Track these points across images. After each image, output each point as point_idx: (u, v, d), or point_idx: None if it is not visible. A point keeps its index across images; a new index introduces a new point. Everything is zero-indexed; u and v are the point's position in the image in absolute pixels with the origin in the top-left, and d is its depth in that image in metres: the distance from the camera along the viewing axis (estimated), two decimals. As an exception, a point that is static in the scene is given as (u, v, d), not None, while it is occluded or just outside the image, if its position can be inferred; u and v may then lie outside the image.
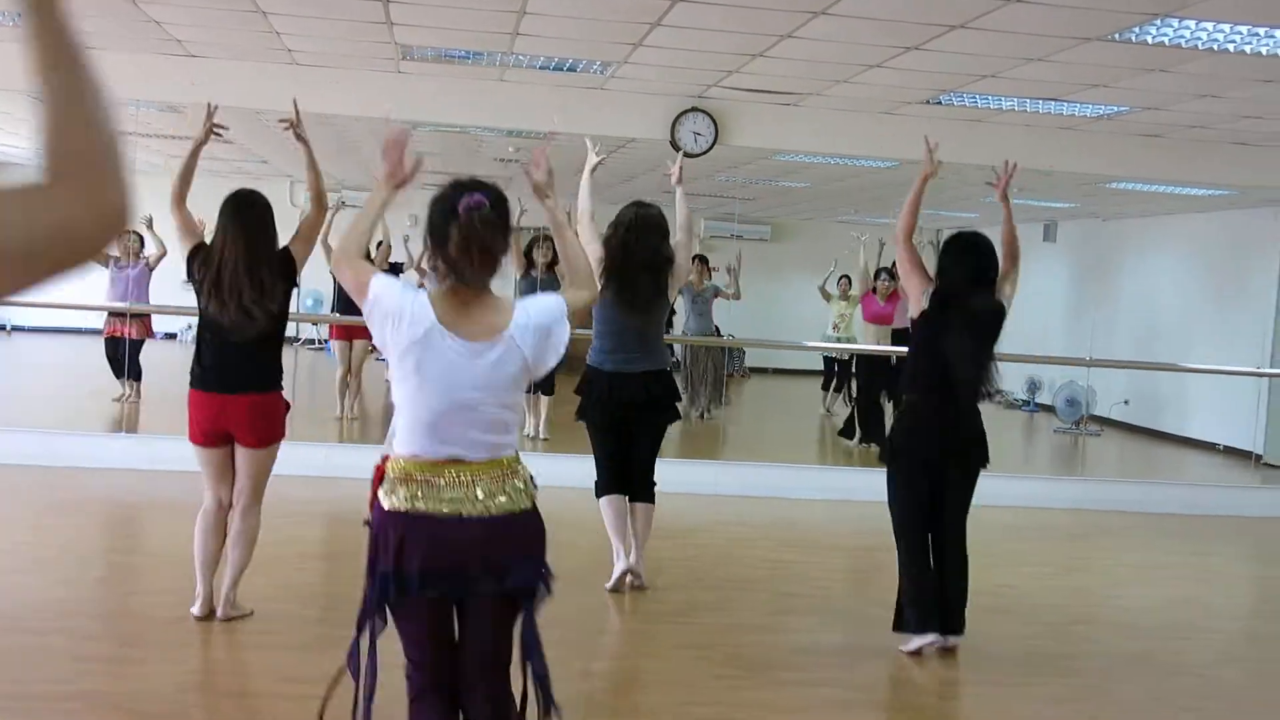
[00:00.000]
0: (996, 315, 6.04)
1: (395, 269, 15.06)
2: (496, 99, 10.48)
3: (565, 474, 7.79)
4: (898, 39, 7.78)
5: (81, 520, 8.13)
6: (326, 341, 17.48)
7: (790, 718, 5.44)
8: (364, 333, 12.53)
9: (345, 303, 12.94)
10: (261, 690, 5.07)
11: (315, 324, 19.32)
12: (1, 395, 13.79)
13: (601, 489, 6.83)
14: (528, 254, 12.06)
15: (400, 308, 3.36)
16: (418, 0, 7.73)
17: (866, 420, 13.32)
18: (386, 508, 3.37)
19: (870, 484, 9.92)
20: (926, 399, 5.99)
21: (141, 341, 12.77)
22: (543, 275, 12.01)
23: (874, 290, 13.80)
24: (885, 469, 6.16)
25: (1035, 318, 19.31)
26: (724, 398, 14.71)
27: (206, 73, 10.22)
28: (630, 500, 6.85)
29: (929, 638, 5.95)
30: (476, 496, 3.34)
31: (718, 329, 15.21)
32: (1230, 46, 7.37)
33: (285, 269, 5.71)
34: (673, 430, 13.81)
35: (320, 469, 9.69)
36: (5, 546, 7.22)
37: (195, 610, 5.83)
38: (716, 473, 10.75)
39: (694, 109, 10.41)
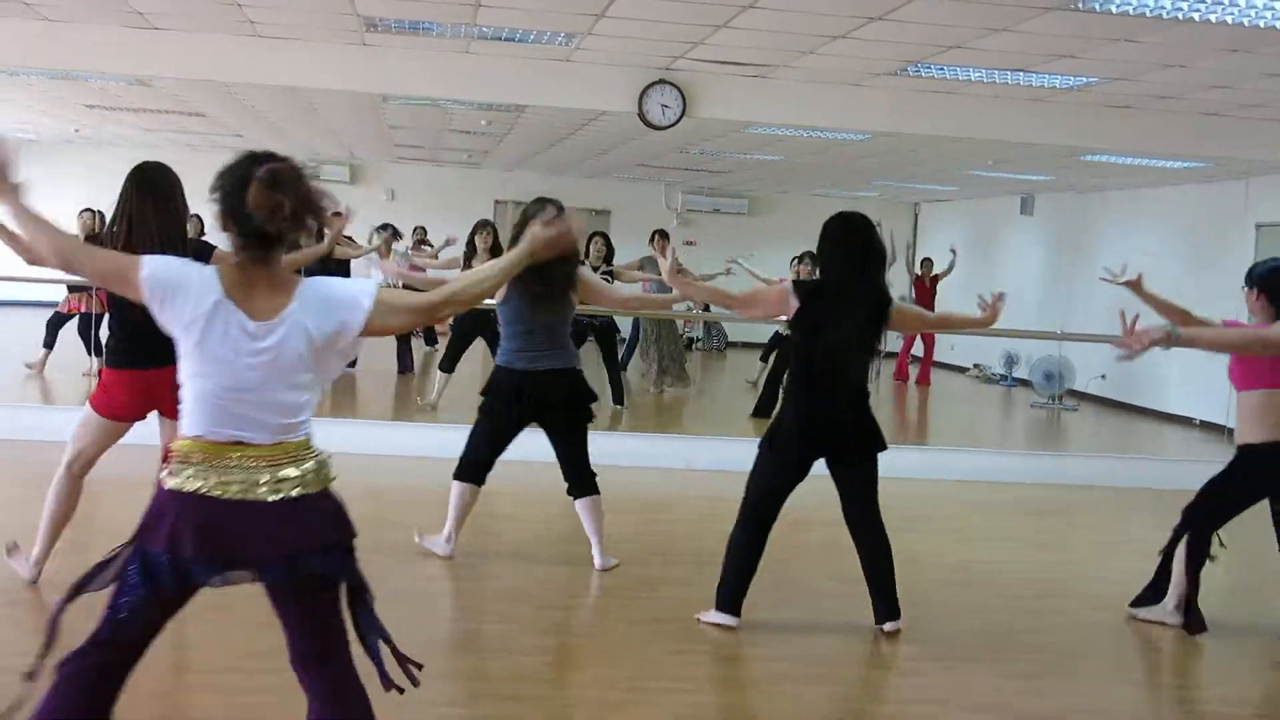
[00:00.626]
0: (879, 303, 5.82)
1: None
2: (464, 71, 10.38)
3: (520, 448, 7.71)
4: (860, 9, 7.71)
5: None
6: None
7: (743, 692, 5.42)
8: None
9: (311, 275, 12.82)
10: (221, 665, 5.01)
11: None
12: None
13: (466, 474, 6.72)
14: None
15: (184, 278, 3.23)
16: (377, -30, 7.64)
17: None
18: (168, 487, 3.23)
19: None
20: (811, 392, 5.84)
21: (103, 315, 12.69)
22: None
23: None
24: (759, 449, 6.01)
25: (1012, 290, 19.29)
26: (682, 372, 14.57)
27: (170, 45, 10.10)
28: (575, 498, 6.78)
29: (732, 620, 5.90)
30: (260, 481, 3.20)
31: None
32: (1195, 15, 7.31)
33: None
34: (644, 403, 13.89)
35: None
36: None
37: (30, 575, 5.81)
38: (687, 447, 10.71)
39: (661, 81, 10.33)
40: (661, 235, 14.45)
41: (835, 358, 5.73)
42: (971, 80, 9.88)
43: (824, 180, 19.57)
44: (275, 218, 3.18)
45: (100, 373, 6.04)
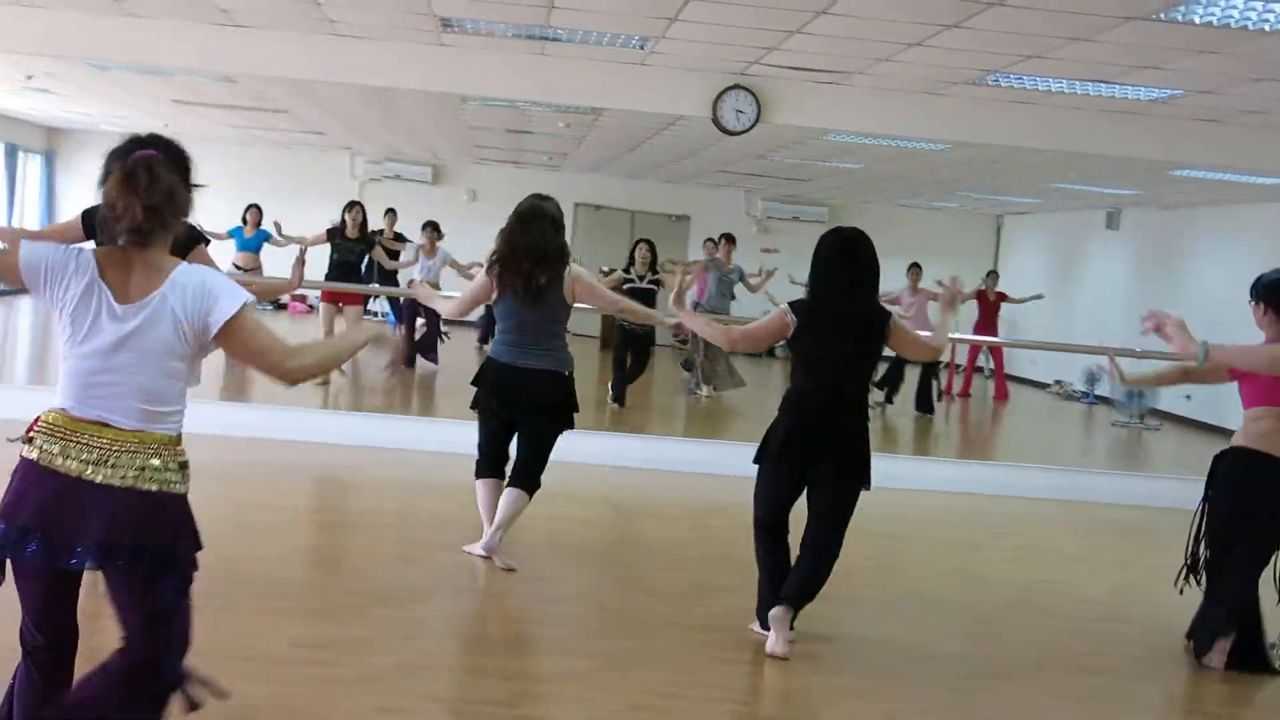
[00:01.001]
0: (873, 320, 5.71)
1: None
2: (538, 73, 10.42)
3: (574, 450, 7.66)
4: (933, 17, 7.61)
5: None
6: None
7: (783, 705, 5.35)
8: (355, 298, 12.54)
9: (334, 267, 12.93)
10: (270, 654, 5.04)
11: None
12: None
13: (477, 471, 6.73)
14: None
15: (64, 261, 3.22)
16: (449, -30, 7.66)
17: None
18: (22, 455, 3.23)
19: (900, 471, 9.86)
20: (802, 407, 5.74)
21: None
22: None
23: None
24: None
25: (1095, 307, 19.01)
26: (731, 372, 14.41)
27: (252, 43, 10.23)
28: (506, 484, 6.68)
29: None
30: (107, 463, 3.16)
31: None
32: (1282, 27, 7.13)
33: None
34: (702, 408, 13.82)
35: (307, 434, 9.73)
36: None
37: None
38: (737, 453, 10.60)
39: (736, 86, 10.27)
40: (727, 240, 14.44)
41: (828, 374, 5.65)
42: (1052, 91, 9.72)
43: (904, 190, 19.38)
44: (124, 216, 3.18)
45: None
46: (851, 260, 5.69)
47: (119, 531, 3.16)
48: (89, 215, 5.61)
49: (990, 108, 10.51)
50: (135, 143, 3.26)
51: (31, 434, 3.24)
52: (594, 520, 8.19)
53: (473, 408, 6.83)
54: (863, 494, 5.74)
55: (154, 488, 3.21)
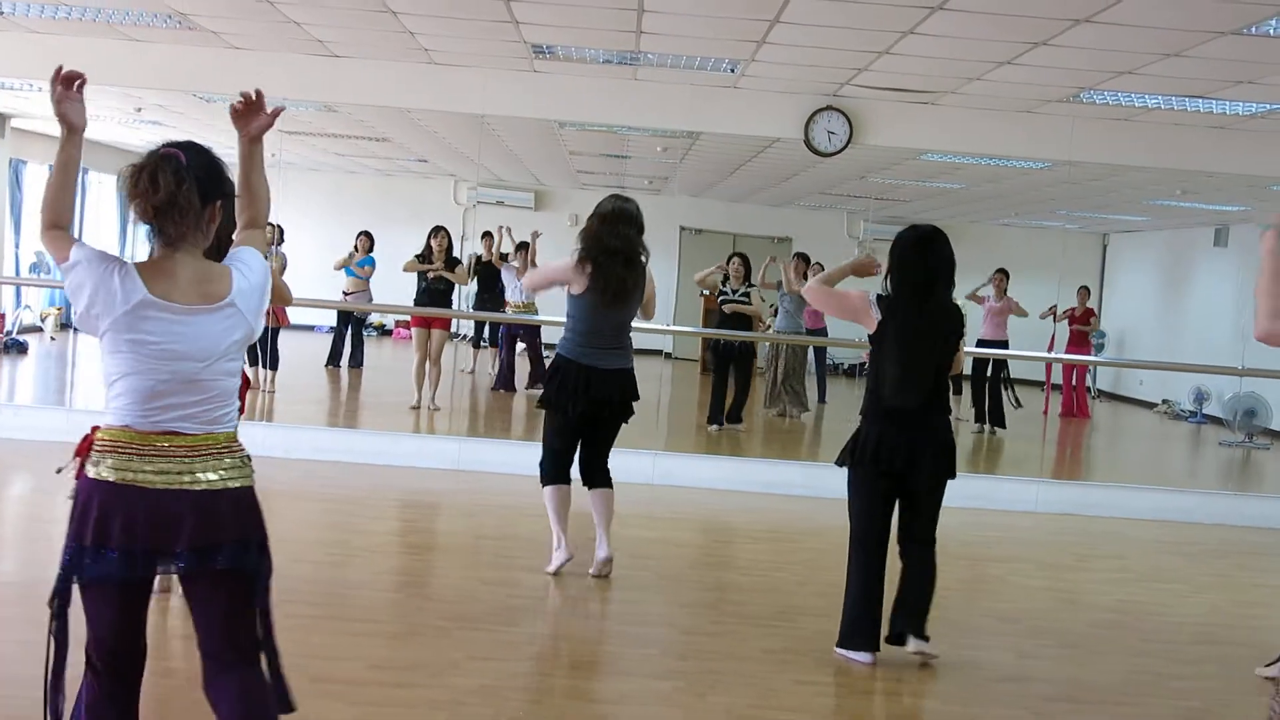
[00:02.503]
0: (951, 320, 5.71)
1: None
2: (631, 97, 10.52)
3: (664, 472, 7.70)
4: (1022, 34, 7.56)
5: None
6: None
7: (864, 727, 5.34)
8: (442, 322, 12.73)
9: (422, 292, 13.12)
10: (350, 677, 5.12)
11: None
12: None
13: (549, 477, 6.77)
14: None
15: (104, 277, 3.22)
16: (539, -1, 7.77)
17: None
18: (91, 476, 3.23)
19: (993, 491, 9.77)
20: (885, 409, 5.68)
21: (279, 329, 13.15)
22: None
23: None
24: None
25: (1202, 325, 18.62)
26: (797, 397, 14.31)
27: (350, 73, 10.47)
28: (590, 487, 6.80)
29: (862, 656, 5.74)
30: (188, 471, 3.24)
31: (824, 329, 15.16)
32: (1380, 39, 6.98)
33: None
34: (798, 429, 13.76)
35: (397, 459, 9.90)
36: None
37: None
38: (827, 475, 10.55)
39: (828, 108, 10.28)
40: (800, 258, 14.41)
41: (911, 374, 5.59)
42: (1149, 107, 9.59)
43: (1006, 209, 19.15)
44: (136, 213, 3.26)
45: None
46: (930, 255, 5.64)
47: (214, 531, 3.26)
48: None
49: (1086, 125, 10.39)
50: (163, 145, 3.34)
51: (92, 454, 3.26)
52: (682, 541, 8.23)
53: (541, 406, 6.86)
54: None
55: (235, 484, 3.33)
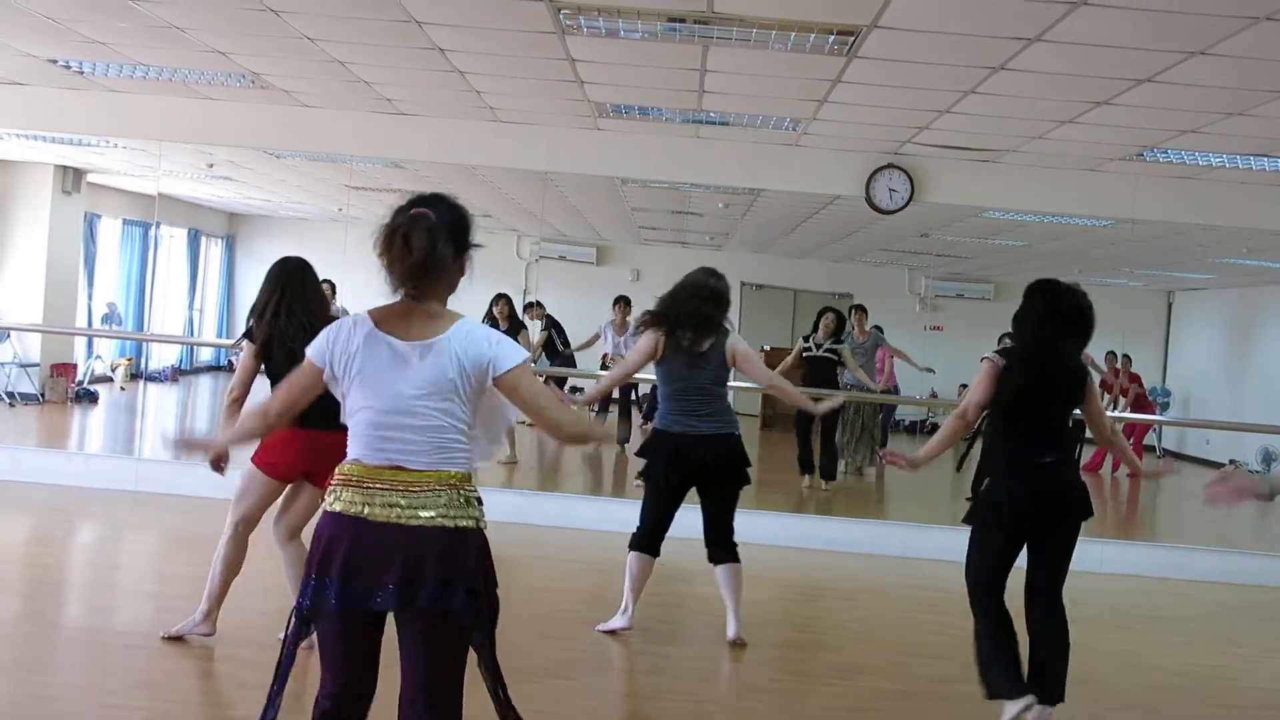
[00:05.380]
0: (1069, 382, 5.56)
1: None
2: (693, 155, 10.65)
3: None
4: (1083, 94, 7.58)
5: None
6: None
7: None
8: None
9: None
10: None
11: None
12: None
13: (635, 543, 6.80)
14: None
15: (340, 331, 3.40)
16: (603, 59, 7.87)
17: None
18: (326, 509, 3.35)
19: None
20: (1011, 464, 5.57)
21: None
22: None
23: None
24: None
25: (1269, 384, 18.40)
26: (870, 455, 14.11)
27: (417, 130, 10.66)
28: (714, 563, 6.78)
29: (1018, 705, 5.46)
30: (408, 504, 3.28)
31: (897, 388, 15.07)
32: None
33: None
34: (857, 486, 13.69)
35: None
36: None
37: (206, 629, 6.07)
38: (905, 533, 10.50)
39: (889, 165, 10.33)
40: (859, 310, 14.25)
41: (1032, 425, 5.51)
42: (1212, 165, 9.56)
43: (1070, 266, 19.05)
44: (391, 272, 3.34)
45: None
46: (1057, 318, 5.48)
47: (420, 568, 3.26)
48: (250, 335, 5.92)
49: (1149, 183, 10.37)
50: (414, 201, 3.42)
51: (332, 488, 3.38)
52: (744, 599, 8.21)
53: (640, 478, 6.92)
54: (1021, 576, 5.61)
55: (452, 524, 3.33)
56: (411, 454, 3.32)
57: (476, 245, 3.52)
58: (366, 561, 3.27)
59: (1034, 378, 5.44)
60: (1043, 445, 5.51)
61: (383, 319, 3.38)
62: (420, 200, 3.41)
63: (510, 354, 3.39)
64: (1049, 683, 5.43)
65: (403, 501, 3.29)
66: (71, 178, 15.41)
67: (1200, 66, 6.65)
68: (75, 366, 16.51)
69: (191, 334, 19.55)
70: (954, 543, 10.13)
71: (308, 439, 5.61)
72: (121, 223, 18.09)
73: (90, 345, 17.44)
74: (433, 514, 3.30)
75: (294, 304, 5.87)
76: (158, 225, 17.54)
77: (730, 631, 6.78)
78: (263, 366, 5.87)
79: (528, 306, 15.96)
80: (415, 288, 3.35)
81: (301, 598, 3.35)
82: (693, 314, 6.57)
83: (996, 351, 5.57)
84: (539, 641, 6.65)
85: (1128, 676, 7.06)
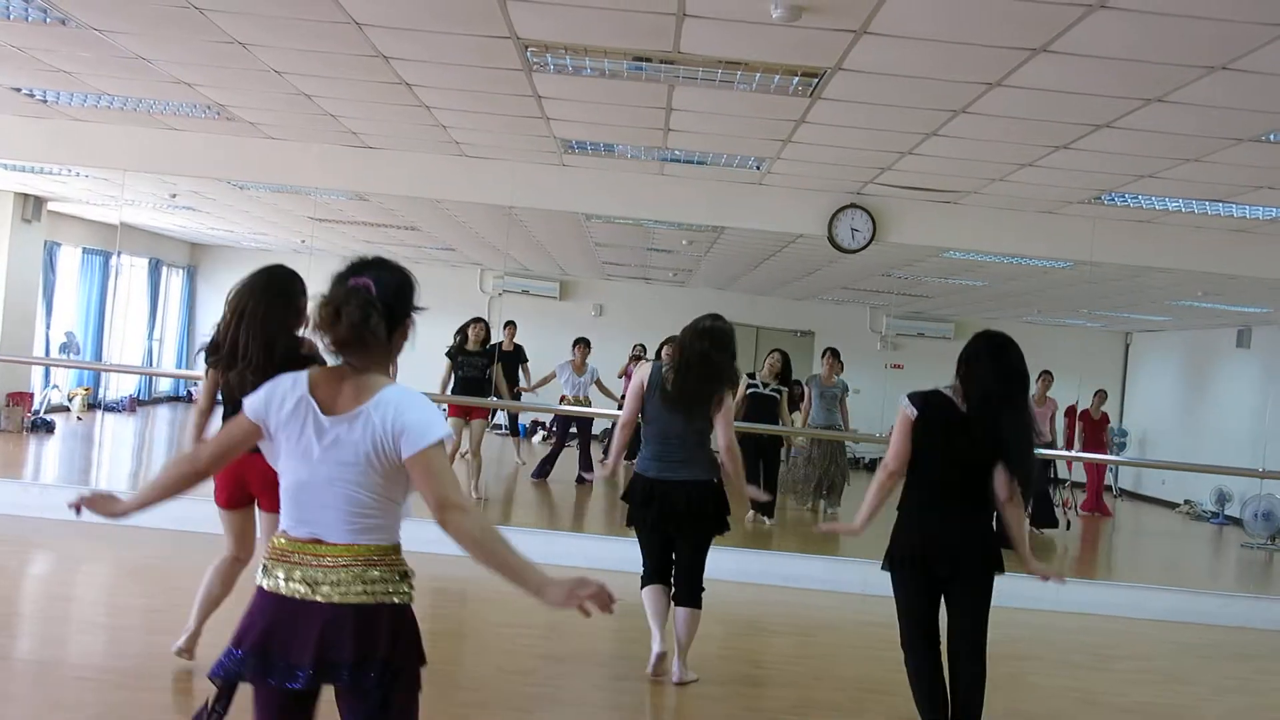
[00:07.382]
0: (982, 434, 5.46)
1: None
2: (658, 192, 10.71)
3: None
4: (1043, 138, 7.70)
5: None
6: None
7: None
8: (481, 412, 12.70)
9: (460, 382, 13.11)
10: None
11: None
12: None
13: (643, 580, 6.85)
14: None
15: (276, 387, 3.33)
16: (570, 97, 7.93)
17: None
18: (257, 584, 3.30)
19: (1018, 590, 9.72)
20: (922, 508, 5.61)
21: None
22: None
23: None
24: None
25: (1224, 426, 18.60)
26: (830, 493, 14.14)
27: (382, 163, 10.68)
28: (675, 604, 6.78)
29: None
30: (326, 581, 3.21)
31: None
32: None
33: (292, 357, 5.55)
34: (801, 523, 13.71)
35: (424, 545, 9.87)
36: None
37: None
38: (865, 571, 10.51)
39: (852, 205, 10.42)
40: (831, 354, 14.28)
41: (947, 470, 5.49)
42: (1169, 210, 9.70)
43: (1028, 306, 19.25)
44: (327, 338, 3.27)
45: None
46: (997, 365, 5.46)
47: (336, 648, 3.17)
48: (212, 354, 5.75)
49: (1107, 226, 10.51)
50: (354, 268, 3.34)
51: (263, 562, 3.31)
52: (699, 634, 8.20)
53: (628, 524, 6.95)
54: (938, 600, 5.64)
55: (371, 600, 3.22)
56: (330, 527, 3.24)
57: (418, 309, 3.44)
58: (281, 639, 3.20)
59: (939, 426, 5.44)
60: (947, 494, 5.51)
61: (317, 384, 3.29)
62: (360, 266, 3.35)
63: (424, 433, 3.23)
64: None
65: (319, 577, 3.21)
66: (32, 205, 15.32)
67: (1157, 113, 6.77)
68: (32, 395, 16.37)
69: (151, 364, 19.41)
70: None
71: (243, 463, 5.42)
72: (82, 251, 17.99)
73: (47, 374, 17.31)
74: (346, 591, 3.21)
75: (261, 316, 5.66)
76: (119, 254, 17.45)
77: (674, 675, 6.76)
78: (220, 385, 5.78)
79: (506, 324, 16.04)
80: (349, 358, 3.30)
81: (216, 665, 3.27)
82: (705, 365, 6.57)
83: (909, 396, 5.56)
84: (496, 675, 6.65)
85: (1082, 714, 7.11)
